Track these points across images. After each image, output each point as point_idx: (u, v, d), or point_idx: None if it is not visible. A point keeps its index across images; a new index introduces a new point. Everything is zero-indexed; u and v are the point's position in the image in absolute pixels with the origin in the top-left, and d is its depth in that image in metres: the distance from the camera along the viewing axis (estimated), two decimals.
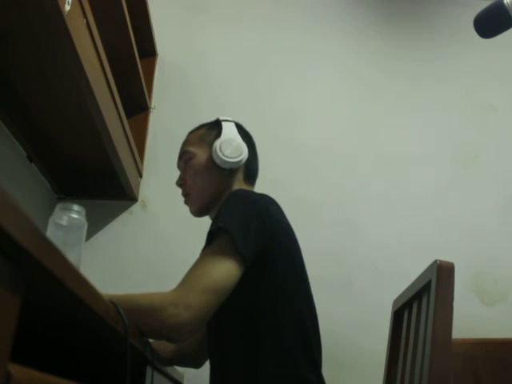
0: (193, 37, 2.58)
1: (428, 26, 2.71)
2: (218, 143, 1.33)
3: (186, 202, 1.40)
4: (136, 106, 2.32)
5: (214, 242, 1.10)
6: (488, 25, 1.18)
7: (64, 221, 1.26)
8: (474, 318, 2.16)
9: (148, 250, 2.22)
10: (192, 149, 1.38)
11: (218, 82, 2.51)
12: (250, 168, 1.39)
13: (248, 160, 1.36)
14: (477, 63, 2.61)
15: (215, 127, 1.39)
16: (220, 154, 1.32)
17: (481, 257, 2.30)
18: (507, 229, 2.35)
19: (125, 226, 2.27)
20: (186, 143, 1.41)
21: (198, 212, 1.38)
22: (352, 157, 2.44)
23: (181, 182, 1.39)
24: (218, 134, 1.36)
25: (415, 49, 2.65)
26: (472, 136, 2.51)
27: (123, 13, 1.84)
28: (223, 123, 1.39)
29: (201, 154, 1.36)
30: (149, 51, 2.46)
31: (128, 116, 2.00)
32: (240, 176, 1.37)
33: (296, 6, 2.68)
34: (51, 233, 1.24)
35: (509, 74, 2.61)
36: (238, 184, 1.36)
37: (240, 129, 1.41)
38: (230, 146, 1.33)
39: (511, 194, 2.41)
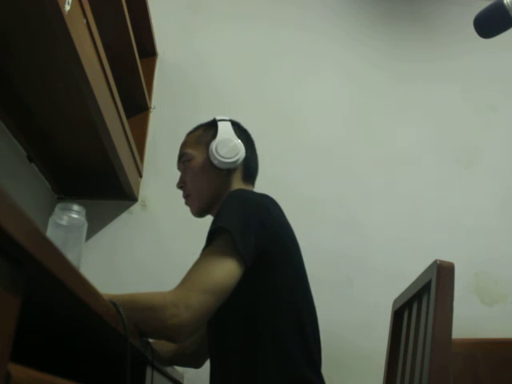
0: (193, 36, 2.58)
1: (428, 25, 2.71)
2: (213, 144, 1.34)
3: (187, 203, 1.40)
4: (136, 105, 2.32)
5: (214, 241, 1.10)
6: (488, 25, 1.18)
7: (64, 221, 1.26)
8: (474, 318, 2.15)
9: (148, 250, 2.22)
10: (190, 151, 1.38)
11: (218, 81, 2.51)
12: (249, 166, 1.39)
13: (246, 159, 1.36)
14: (477, 63, 2.61)
15: (212, 127, 1.39)
16: (216, 155, 1.32)
17: (481, 257, 2.30)
18: (508, 229, 2.35)
19: (125, 226, 2.27)
20: (184, 145, 1.42)
21: (199, 213, 1.39)
22: (352, 156, 2.44)
23: (181, 184, 1.40)
24: (214, 135, 1.36)
25: (415, 48, 2.65)
26: (472, 136, 2.51)
27: (123, 13, 1.84)
28: (219, 123, 1.39)
29: (198, 156, 1.37)
30: (149, 51, 2.46)
31: (128, 116, 2.00)
32: (238, 175, 1.37)
33: (296, 4, 2.68)
34: (51, 233, 1.24)
35: (509, 74, 2.61)
36: (237, 183, 1.36)
37: (237, 127, 1.41)
38: (225, 147, 1.33)
39: (511, 194, 2.41)
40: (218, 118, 1.41)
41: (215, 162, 1.33)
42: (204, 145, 1.37)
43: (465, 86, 2.58)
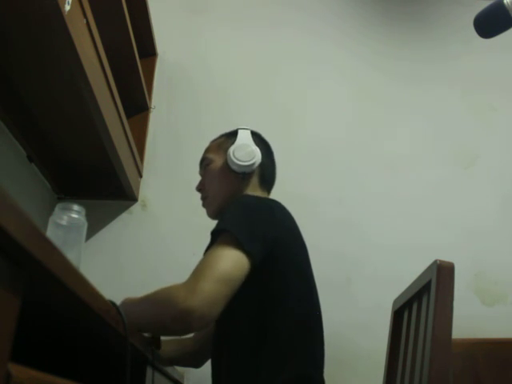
0: (193, 37, 2.58)
1: (427, 25, 2.71)
2: (232, 148, 1.40)
3: (203, 205, 1.46)
4: (136, 105, 2.32)
5: (219, 239, 1.13)
6: (488, 25, 1.18)
7: (64, 221, 1.26)
8: (474, 318, 2.15)
9: (148, 250, 2.22)
10: (210, 155, 1.45)
11: (218, 81, 2.51)
12: (265, 173, 1.44)
13: (262, 165, 1.41)
14: (476, 63, 2.61)
15: (233, 135, 1.45)
16: (233, 158, 1.38)
17: (481, 257, 2.30)
18: (508, 229, 2.35)
19: (125, 226, 2.27)
20: (206, 151, 1.49)
21: (214, 214, 1.43)
22: (352, 157, 2.44)
23: (200, 187, 1.47)
24: (234, 141, 1.42)
25: (414, 49, 2.65)
26: (472, 136, 2.51)
27: (123, 13, 1.84)
28: (239, 131, 1.45)
29: (217, 160, 1.43)
30: (149, 51, 2.46)
31: (128, 116, 2.00)
32: (255, 180, 1.41)
33: (296, 5, 2.68)
34: (51, 233, 1.24)
35: (508, 74, 2.61)
36: (252, 188, 1.40)
37: (256, 136, 1.46)
38: (242, 151, 1.39)
39: (511, 195, 2.41)
40: (240, 127, 1.48)
41: (233, 167, 1.38)
42: (224, 150, 1.43)
43: (464, 87, 2.58)
